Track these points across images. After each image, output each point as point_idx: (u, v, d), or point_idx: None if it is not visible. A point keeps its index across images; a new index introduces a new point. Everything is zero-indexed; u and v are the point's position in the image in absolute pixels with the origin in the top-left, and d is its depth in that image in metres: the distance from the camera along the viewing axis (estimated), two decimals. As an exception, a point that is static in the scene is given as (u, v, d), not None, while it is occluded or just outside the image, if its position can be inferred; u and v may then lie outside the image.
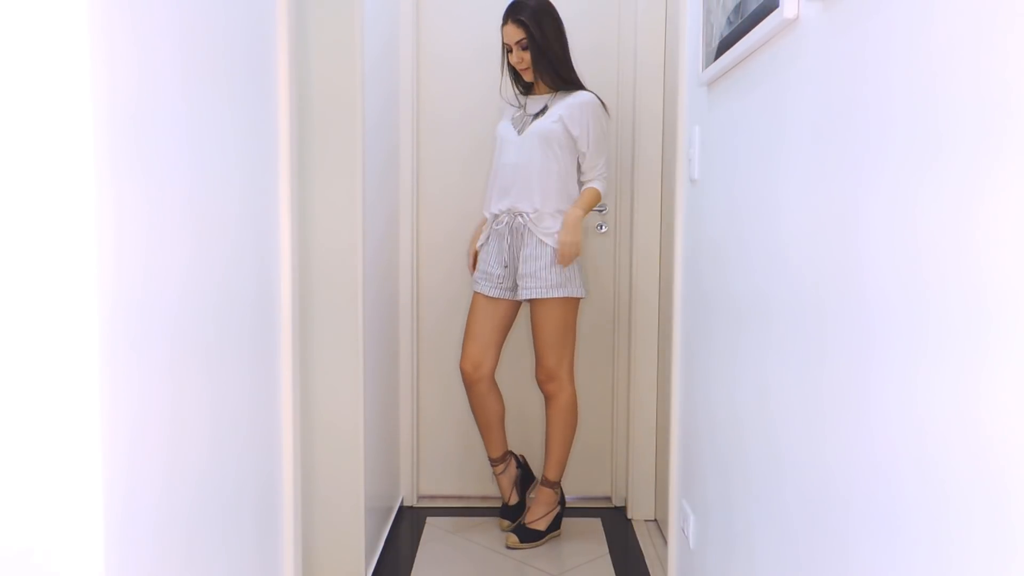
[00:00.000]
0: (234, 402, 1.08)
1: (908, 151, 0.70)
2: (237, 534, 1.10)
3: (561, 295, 2.35)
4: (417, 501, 2.81)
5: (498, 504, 2.74)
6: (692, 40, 1.69)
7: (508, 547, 2.41)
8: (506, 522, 2.53)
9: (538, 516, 2.47)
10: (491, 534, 2.54)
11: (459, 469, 2.81)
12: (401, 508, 2.75)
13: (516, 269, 2.38)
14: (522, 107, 2.45)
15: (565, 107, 2.36)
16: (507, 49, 2.40)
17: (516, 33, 2.34)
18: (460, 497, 2.79)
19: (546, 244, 2.33)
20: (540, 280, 2.33)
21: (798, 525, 0.99)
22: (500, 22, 2.42)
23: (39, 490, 0.70)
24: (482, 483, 2.80)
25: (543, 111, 2.40)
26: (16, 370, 0.68)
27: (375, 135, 2.19)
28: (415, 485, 2.80)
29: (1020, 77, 0.53)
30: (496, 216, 2.42)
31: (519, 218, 2.36)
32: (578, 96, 2.37)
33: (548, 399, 2.48)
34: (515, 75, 2.46)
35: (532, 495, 2.59)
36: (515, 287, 2.39)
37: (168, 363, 0.86)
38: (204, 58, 0.96)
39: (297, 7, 1.65)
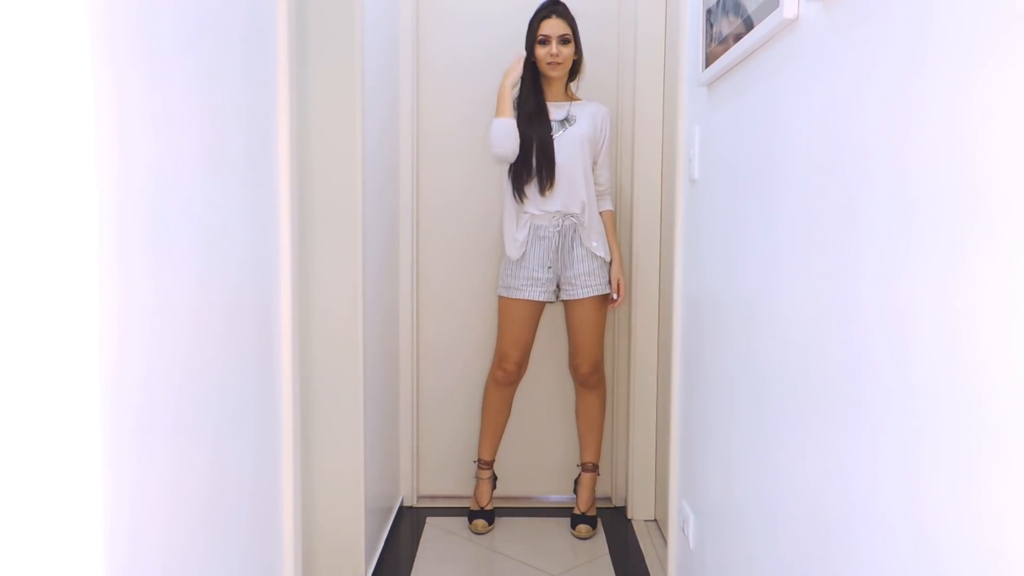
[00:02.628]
0: (234, 402, 1.08)
1: (908, 150, 0.70)
2: (237, 534, 1.10)
3: (609, 291, 2.50)
4: (417, 501, 2.81)
5: (498, 504, 2.74)
6: (692, 40, 1.69)
7: (583, 538, 2.49)
8: (483, 522, 2.56)
9: (592, 502, 2.58)
10: (491, 534, 2.54)
11: (459, 469, 2.81)
12: (401, 508, 2.75)
13: (564, 270, 2.45)
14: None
15: (592, 117, 2.49)
16: (541, 41, 2.41)
17: (561, 27, 2.41)
18: (460, 497, 2.79)
19: (596, 256, 2.45)
20: (595, 279, 2.46)
21: (797, 525, 0.99)
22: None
23: (37, 490, 0.70)
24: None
25: (567, 118, 2.47)
26: (16, 372, 0.68)
27: (375, 132, 2.19)
28: (415, 485, 2.80)
29: (1019, 77, 0.54)
30: (535, 216, 2.43)
31: (569, 219, 2.43)
32: (601, 107, 2.54)
33: (591, 389, 2.56)
34: (530, 71, 2.45)
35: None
36: (557, 288, 2.48)
37: (171, 363, 0.86)
38: (206, 50, 0.96)
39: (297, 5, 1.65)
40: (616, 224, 2.60)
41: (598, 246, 2.44)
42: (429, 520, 2.65)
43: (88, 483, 0.71)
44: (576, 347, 2.53)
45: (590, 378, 2.54)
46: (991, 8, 0.57)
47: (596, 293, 2.46)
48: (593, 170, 2.50)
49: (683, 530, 1.73)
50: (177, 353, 0.89)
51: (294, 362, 1.35)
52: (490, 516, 2.59)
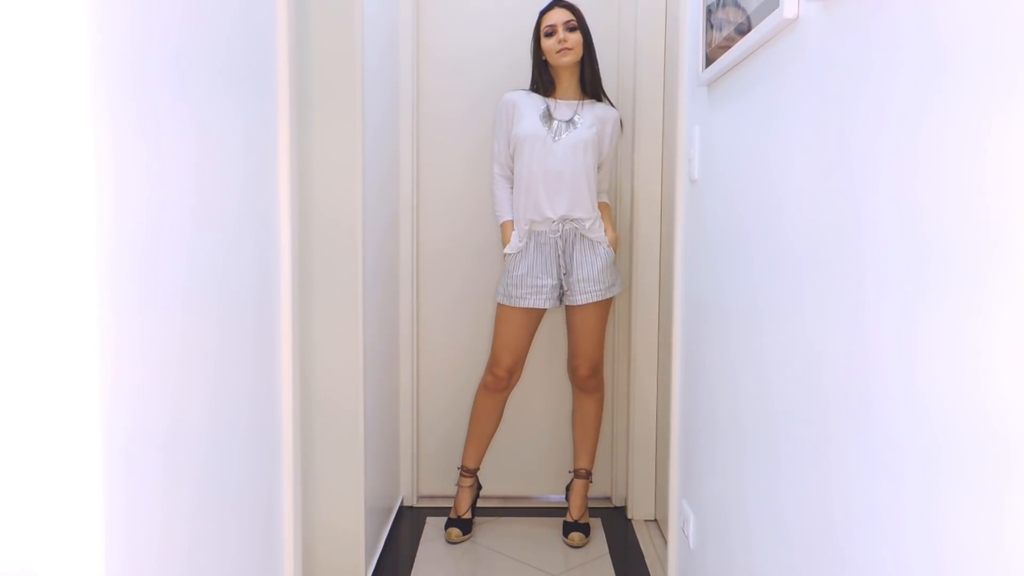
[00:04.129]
0: (234, 401, 1.08)
1: (908, 149, 0.70)
2: (237, 534, 1.10)
3: (614, 294, 2.45)
4: (417, 501, 2.81)
5: (498, 504, 2.76)
6: (692, 40, 1.69)
7: (576, 547, 2.44)
8: (457, 531, 2.49)
9: (585, 508, 2.55)
10: (491, 534, 2.54)
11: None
12: (401, 508, 2.75)
13: (568, 274, 2.40)
14: (548, 111, 2.42)
15: (598, 120, 2.43)
16: (547, 32, 2.38)
17: (564, 14, 2.38)
18: (460, 497, 2.79)
19: (599, 245, 2.40)
20: (599, 283, 2.40)
21: (798, 526, 0.99)
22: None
23: (37, 489, 0.70)
24: (481, 483, 2.79)
25: (572, 120, 2.41)
26: (13, 369, 0.68)
27: (375, 129, 2.19)
28: (415, 485, 2.80)
29: (1021, 74, 0.53)
30: (535, 223, 2.39)
31: (571, 224, 2.39)
32: (610, 112, 2.47)
33: (590, 393, 2.54)
34: (540, 70, 2.44)
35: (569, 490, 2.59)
36: (562, 294, 2.43)
37: (168, 361, 0.86)
38: (204, 52, 0.96)
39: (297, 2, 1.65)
40: (613, 216, 2.58)
41: (598, 236, 2.40)
42: (429, 520, 2.65)
43: (87, 482, 0.71)
44: (576, 349, 2.50)
45: (588, 381, 2.51)
46: (997, 2, 0.57)
47: (602, 297, 2.41)
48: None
49: (683, 530, 1.73)
50: (172, 349, 0.88)
51: (294, 362, 1.35)
52: (466, 525, 2.52)
